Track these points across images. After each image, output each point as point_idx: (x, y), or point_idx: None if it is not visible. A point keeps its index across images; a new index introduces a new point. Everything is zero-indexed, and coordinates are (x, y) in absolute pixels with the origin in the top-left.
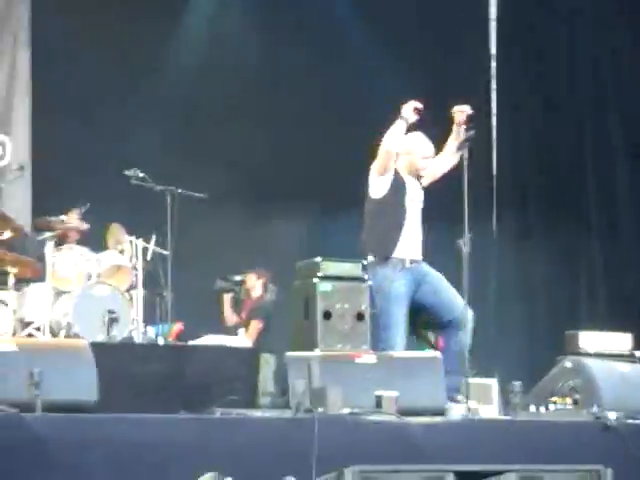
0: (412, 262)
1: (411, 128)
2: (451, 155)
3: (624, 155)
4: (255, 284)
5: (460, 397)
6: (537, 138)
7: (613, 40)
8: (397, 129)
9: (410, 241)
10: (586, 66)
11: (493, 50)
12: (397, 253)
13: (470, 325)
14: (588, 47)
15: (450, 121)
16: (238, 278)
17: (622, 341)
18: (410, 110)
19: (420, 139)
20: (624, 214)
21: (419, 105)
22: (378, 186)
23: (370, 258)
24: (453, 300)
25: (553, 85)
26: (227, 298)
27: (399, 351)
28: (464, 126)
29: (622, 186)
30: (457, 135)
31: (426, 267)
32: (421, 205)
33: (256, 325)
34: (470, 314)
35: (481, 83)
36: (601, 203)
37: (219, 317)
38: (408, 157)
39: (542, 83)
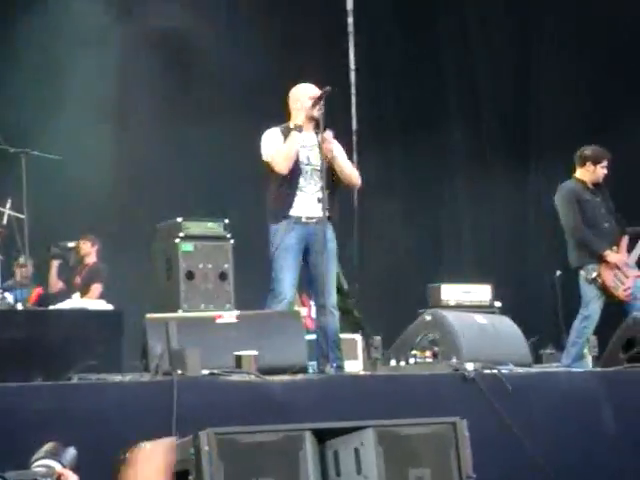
0: (308, 219)
1: None
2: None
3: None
4: (90, 251)
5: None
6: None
7: None
8: (291, 143)
9: (307, 199)
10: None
11: (350, 5)
12: (293, 212)
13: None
14: None
15: None
16: (71, 245)
17: (482, 292)
18: (311, 110)
19: (300, 86)
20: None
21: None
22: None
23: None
24: (324, 286)
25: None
26: (55, 264)
27: (288, 299)
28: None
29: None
30: None
31: (321, 235)
32: (318, 162)
33: (98, 288)
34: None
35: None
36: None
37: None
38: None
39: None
